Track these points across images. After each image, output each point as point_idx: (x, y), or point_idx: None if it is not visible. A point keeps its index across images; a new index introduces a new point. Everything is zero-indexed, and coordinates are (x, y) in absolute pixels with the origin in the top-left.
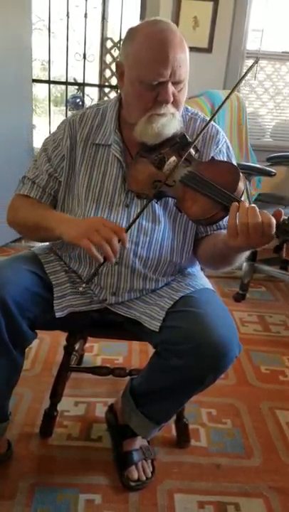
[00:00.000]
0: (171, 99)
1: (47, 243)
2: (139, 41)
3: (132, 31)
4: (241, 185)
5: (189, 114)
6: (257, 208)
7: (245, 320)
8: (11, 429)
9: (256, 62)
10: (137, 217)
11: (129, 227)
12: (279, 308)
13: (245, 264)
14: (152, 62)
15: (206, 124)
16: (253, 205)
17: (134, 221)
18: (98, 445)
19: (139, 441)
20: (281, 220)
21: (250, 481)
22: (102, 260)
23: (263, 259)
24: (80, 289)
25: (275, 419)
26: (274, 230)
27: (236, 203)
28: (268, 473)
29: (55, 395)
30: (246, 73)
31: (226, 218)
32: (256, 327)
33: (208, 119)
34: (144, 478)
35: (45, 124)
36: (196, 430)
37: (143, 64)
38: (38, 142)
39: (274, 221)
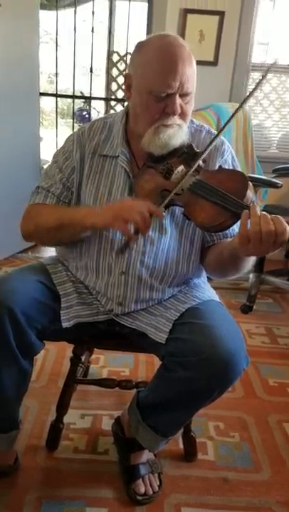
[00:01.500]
0: (179, 111)
1: (54, 254)
2: (148, 53)
3: (141, 44)
4: (250, 192)
5: (195, 126)
6: (268, 215)
7: (253, 332)
8: (18, 441)
9: (268, 70)
10: (172, 194)
11: (165, 205)
12: (286, 320)
13: (252, 276)
14: (161, 74)
15: (216, 137)
16: (263, 212)
17: (171, 196)
18: (105, 458)
19: (146, 455)
20: None
21: (259, 495)
22: (134, 237)
23: (269, 271)
24: (114, 254)
25: (283, 432)
26: (287, 237)
27: (247, 211)
28: (276, 487)
29: (62, 407)
30: (257, 85)
31: (233, 226)
32: (264, 339)
33: (213, 130)
34: (150, 492)
35: (52, 136)
36: (204, 443)
37: (152, 75)
38: (44, 154)
39: (287, 227)
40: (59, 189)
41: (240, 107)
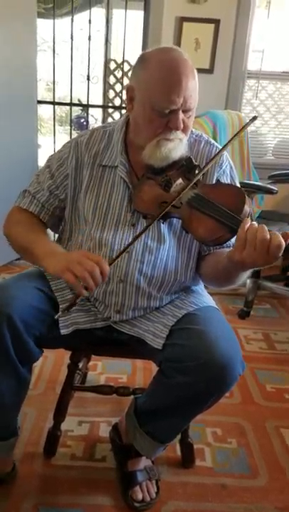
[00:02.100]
0: (182, 126)
1: None
2: (152, 68)
3: (144, 57)
4: (247, 208)
5: (194, 136)
6: (266, 227)
7: (250, 337)
8: (16, 448)
9: (254, 119)
10: (131, 243)
11: (115, 259)
12: (284, 325)
13: (249, 281)
14: (165, 90)
15: (218, 154)
16: (262, 224)
17: (120, 253)
18: (102, 465)
19: (144, 461)
20: (288, 242)
21: (256, 502)
22: (85, 294)
23: (267, 276)
24: (56, 317)
25: (280, 438)
26: (282, 251)
27: (249, 219)
28: (274, 493)
29: (59, 414)
30: (243, 128)
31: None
32: (261, 345)
33: (211, 140)
34: (148, 498)
35: (49, 143)
36: (201, 450)
37: (156, 92)
38: (42, 161)
39: (284, 243)
40: (45, 196)
41: (239, 133)
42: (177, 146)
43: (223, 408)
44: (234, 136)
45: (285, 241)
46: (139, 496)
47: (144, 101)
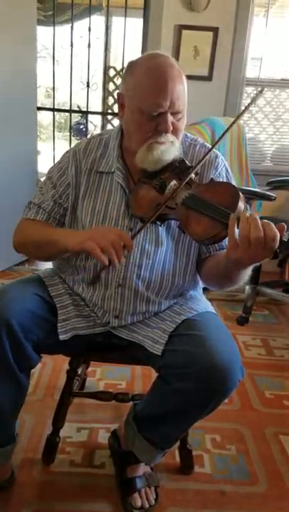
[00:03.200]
0: (171, 128)
1: (51, 266)
2: (139, 74)
3: (132, 64)
4: (241, 204)
5: (189, 140)
6: (259, 220)
7: (249, 344)
8: (14, 455)
9: (261, 91)
10: (142, 227)
11: (135, 235)
12: (282, 331)
13: (247, 287)
14: (152, 94)
15: (209, 151)
16: (254, 215)
17: (139, 230)
18: (101, 472)
19: (143, 468)
20: (283, 234)
21: (256, 508)
22: (107, 262)
23: (265, 282)
24: (85, 287)
25: (280, 445)
26: (277, 244)
27: (234, 217)
28: (273, 500)
29: (58, 420)
30: (251, 103)
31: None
32: (260, 351)
33: (207, 144)
34: (147, 505)
35: (49, 149)
36: (200, 456)
37: (143, 96)
38: (42, 167)
39: (278, 235)
40: (50, 206)
41: (234, 122)
42: (169, 149)
43: (222, 414)
44: (233, 122)
45: (280, 233)
46: (138, 503)
47: (133, 106)
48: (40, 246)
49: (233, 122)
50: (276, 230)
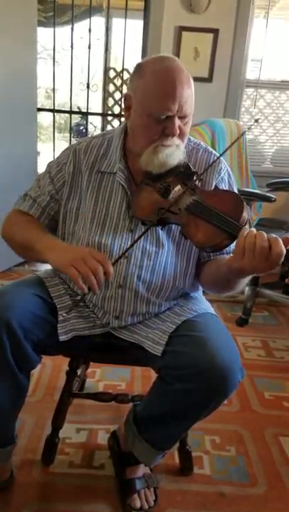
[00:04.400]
0: (178, 132)
1: (51, 267)
2: (147, 77)
3: (140, 66)
4: (245, 214)
5: (192, 144)
6: (265, 234)
7: (249, 345)
8: (13, 455)
9: (256, 121)
10: (130, 246)
11: (117, 260)
12: (282, 333)
13: (247, 289)
14: (161, 97)
15: (215, 161)
16: (261, 231)
17: (122, 254)
18: (100, 473)
19: (142, 469)
20: (288, 247)
21: (255, 510)
22: (86, 290)
23: (265, 284)
24: (60, 317)
25: (279, 447)
26: (283, 259)
27: (246, 228)
28: (273, 502)
29: (57, 421)
30: (245, 132)
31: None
32: (260, 352)
33: (210, 148)
34: (146, 506)
35: (49, 150)
36: (200, 458)
37: (152, 99)
38: (42, 168)
39: (284, 251)
40: (46, 201)
41: (232, 144)
42: (174, 152)
43: (221, 416)
44: (233, 142)
45: (286, 246)
46: (138, 504)
47: (140, 108)
48: (24, 249)
49: (231, 144)
50: (283, 247)
